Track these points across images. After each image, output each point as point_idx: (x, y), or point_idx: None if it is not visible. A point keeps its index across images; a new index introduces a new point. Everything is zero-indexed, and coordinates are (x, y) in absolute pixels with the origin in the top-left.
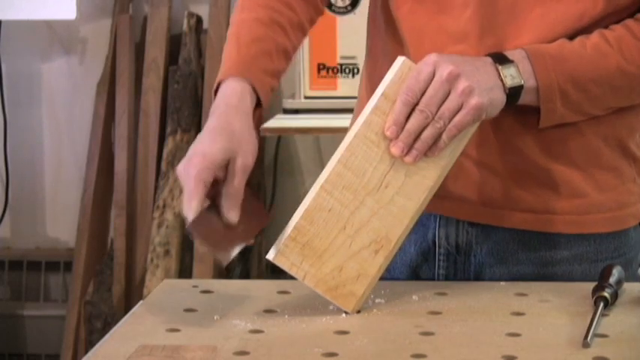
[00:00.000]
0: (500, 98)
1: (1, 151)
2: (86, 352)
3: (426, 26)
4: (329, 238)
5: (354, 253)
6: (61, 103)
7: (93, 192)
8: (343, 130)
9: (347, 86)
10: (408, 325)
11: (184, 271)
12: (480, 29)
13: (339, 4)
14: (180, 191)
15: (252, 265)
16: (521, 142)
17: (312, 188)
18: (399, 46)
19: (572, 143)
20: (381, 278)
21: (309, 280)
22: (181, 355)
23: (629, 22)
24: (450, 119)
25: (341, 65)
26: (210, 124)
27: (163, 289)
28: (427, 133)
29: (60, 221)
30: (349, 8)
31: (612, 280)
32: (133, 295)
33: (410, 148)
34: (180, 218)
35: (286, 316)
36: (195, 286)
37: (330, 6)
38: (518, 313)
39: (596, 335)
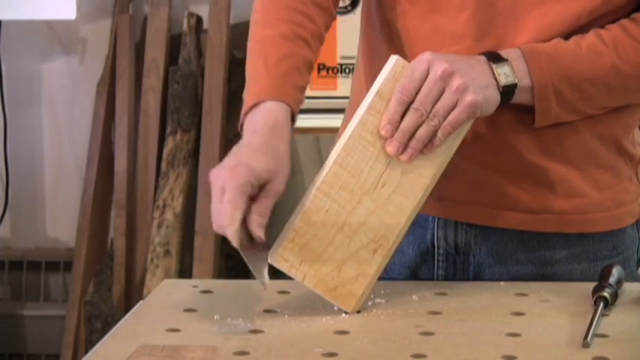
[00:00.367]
0: (495, 96)
1: (1, 151)
2: (86, 352)
3: (420, 27)
4: (327, 239)
5: (352, 253)
6: (61, 103)
7: (93, 192)
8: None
9: (347, 86)
10: (408, 325)
11: (184, 271)
12: (478, 30)
13: (339, 4)
14: (181, 191)
15: None
16: (518, 141)
17: (309, 189)
18: (393, 47)
19: (568, 142)
20: (380, 279)
21: (308, 281)
22: (181, 355)
23: (625, 21)
24: (445, 117)
25: (341, 65)
26: (255, 141)
27: (163, 289)
28: (422, 131)
29: (60, 221)
30: (349, 8)
31: (612, 280)
32: (133, 295)
33: (405, 146)
34: (181, 218)
35: (286, 316)
36: (195, 286)
37: None
38: (518, 313)
39: (596, 335)
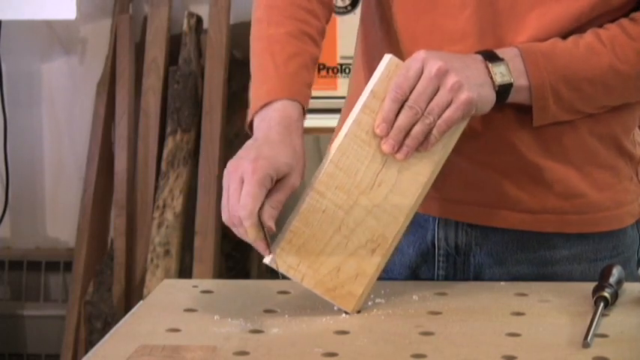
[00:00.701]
0: (490, 95)
1: (1, 151)
2: (86, 352)
3: (421, 26)
4: (325, 239)
5: (350, 253)
6: (61, 103)
7: (93, 192)
8: None
9: (347, 86)
10: (408, 325)
11: (184, 271)
12: (479, 30)
13: (339, 4)
14: (181, 191)
15: (252, 265)
16: (518, 140)
17: (306, 190)
18: (392, 46)
19: (567, 142)
20: (380, 279)
21: (307, 282)
22: (181, 355)
23: (624, 21)
24: (440, 115)
25: (341, 65)
26: (273, 136)
27: (163, 289)
28: (417, 129)
29: (60, 221)
30: (349, 8)
31: (612, 280)
32: (133, 295)
33: (401, 144)
34: (181, 218)
35: (286, 316)
36: (195, 286)
37: None
38: (518, 313)
39: (596, 335)
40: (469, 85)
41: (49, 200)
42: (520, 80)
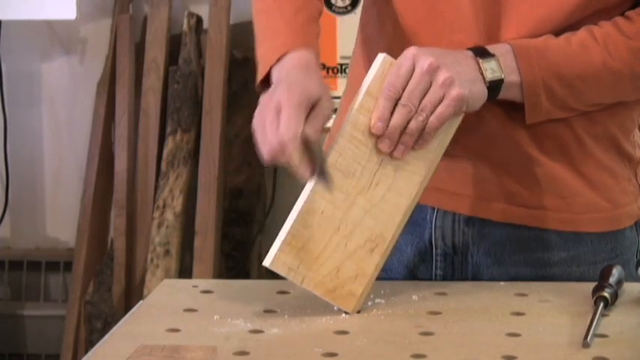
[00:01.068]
0: (482, 91)
1: (1, 151)
2: (86, 352)
3: (422, 15)
4: (324, 240)
5: (350, 253)
6: (61, 103)
7: (93, 192)
8: None
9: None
10: (408, 325)
11: (184, 271)
12: (480, 18)
13: (339, 4)
14: (181, 191)
15: (252, 265)
16: (516, 135)
17: (304, 191)
18: (391, 39)
19: (563, 141)
20: (379, 279)
21: (307, 283)
22: (181, 355)
23: (618, 19)
24: (433, 111)
25: (341, 65)
26: (294, 74)
27: (163, 289)
28: (412, 126)
29: (60, 221)
30: (349, 8)
31: (612, 280)
32: (133, 295)
33: (397, 143)
34: (181, 218)
35: (286, 316)
36: (195, 286)
37: (330, 6)
38: (518, 313)
39: (596, 335)
40: (460, 80)
41: (49, 200)
42: (511, 76)
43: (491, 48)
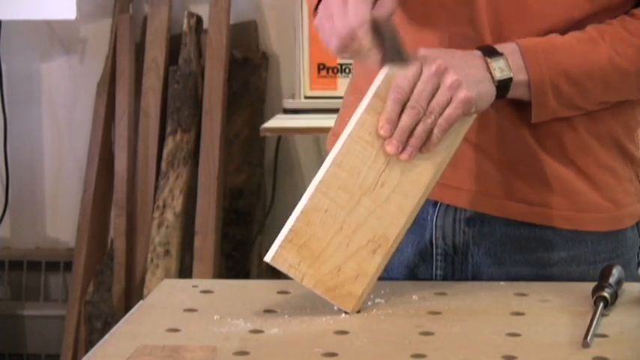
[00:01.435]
0: (490, 91)
1: (1, 151)
2: (86, 352)
3: (429, 8)
4: (326, 239)
5: (352, 253)
6: (61, 103)
7: (93, 192)
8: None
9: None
10: (408, 325)
11: (184, 271)
12: (487, 13)
13: None
14: (181, 191)
15: (252, 265)
16: (520, 132)
17: (308, 189)
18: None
19: (565, 140)
20: (380, 278)
21: (307, 281)
22: (181, 355)
23: (624, 17)
24: (441, 113)
25: (341, 65)
26: None
27: (163, 289)
28: (420, 129)
29: (60, 221)
30: None
31: (612, 280)
32: (133, 295)
33: (405, 145)
34: (181, 218)
35: (286, 316)
36: (195, 286)
37: None
38: (518, 313)
39: (596, 335)
40: (468, 83)
41: (49, 200)
42: (519, 75)
43: (499, 47)
